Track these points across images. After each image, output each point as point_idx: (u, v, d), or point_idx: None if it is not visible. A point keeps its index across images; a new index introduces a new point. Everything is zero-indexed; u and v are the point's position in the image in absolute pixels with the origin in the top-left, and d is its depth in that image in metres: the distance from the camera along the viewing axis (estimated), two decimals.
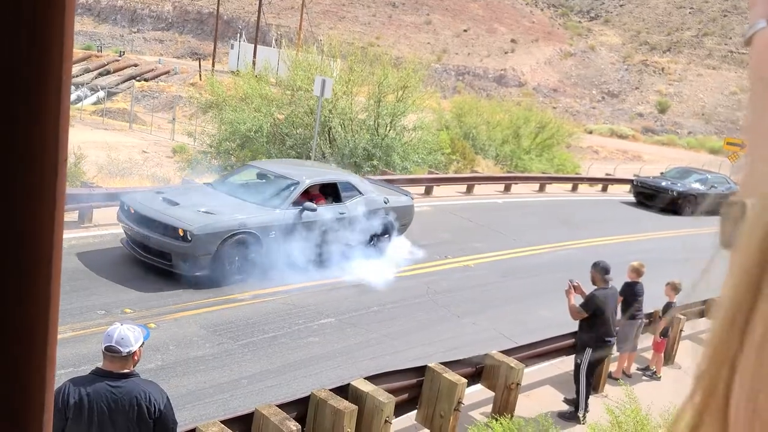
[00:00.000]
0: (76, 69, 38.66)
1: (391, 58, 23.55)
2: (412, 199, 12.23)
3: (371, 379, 5.86)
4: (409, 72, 21.41)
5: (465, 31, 67.42)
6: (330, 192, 10.76)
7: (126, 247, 9.34)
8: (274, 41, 44.38)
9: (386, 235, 11.29)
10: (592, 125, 52.84)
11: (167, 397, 3.56)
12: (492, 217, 16.35)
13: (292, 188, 10.09)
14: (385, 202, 11.31)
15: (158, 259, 8.85)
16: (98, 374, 3.42)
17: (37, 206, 1.19)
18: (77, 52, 41.64)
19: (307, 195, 10.25)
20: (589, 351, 7.26)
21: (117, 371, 3.43)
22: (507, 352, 7.09)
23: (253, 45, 39.62)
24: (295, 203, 9.89)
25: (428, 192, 17.66)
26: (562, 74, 65.14)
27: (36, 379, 1.17)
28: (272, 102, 21.22)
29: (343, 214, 10.50)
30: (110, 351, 3.42)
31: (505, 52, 65.02)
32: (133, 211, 9.16)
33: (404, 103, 21.25)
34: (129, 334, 3.43)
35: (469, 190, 19.01)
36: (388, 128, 21.52)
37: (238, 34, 44.77)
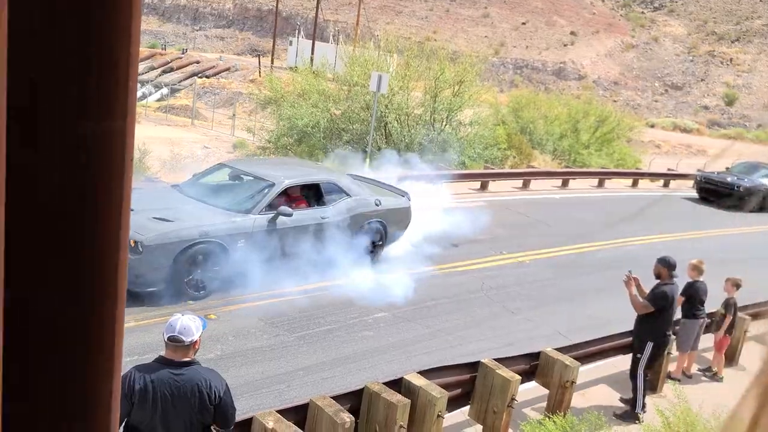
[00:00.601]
0: (141, 67, 39.87)
1: (448, 53, 23.45)
2: (410, 200, 11.01)
3: (424, 373, 5.91)
4: (465, 66, 21.30)
5: (523, 24, 66.49)
6: (313, 194, 9.68)
7: None
8: (331, 37, 44.77)
9: (378, 241, 10.24)
10: (654, 119, 51.40)
11: (226, 384, 3.71)
12: (548, 212, 16.16)
13: (266, 190, 9.00)
14: (377, 205, 10.20)
15: None
16: (161, 362, 3.59)
17: (106, 203, 1.29)
18: (142, 50, 42.92)
19: (287, 198, 9.30)
20: (650, 345, 7.14)
21: (179, 359, 3.59)
22: (562, 350, 7.03)
23: (311, 41, 40.06)
24: (271, 207, 8.86)
25: (484, 187, 17.56)
26: (624, 66, 63.55)
27: (105, 368, 1.28)
28: (329, 98, 21.44)
29: (325, 218, 9.41)
30: (173, 341, 3.58)
31: (565, 45, 63.84)
32: None
33: (460, 97, 21.16)
34: (190, 324, 3.59)
35: (526, 185, 18.81)
36: (444, 123, 21.47)
37: (297, 31, 45.33)
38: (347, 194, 9.88)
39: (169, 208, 8.41)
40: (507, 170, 20.16)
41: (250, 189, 9.22)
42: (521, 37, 64.30)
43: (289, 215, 8.82)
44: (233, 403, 3.73)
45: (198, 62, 42.76)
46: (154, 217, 8.02)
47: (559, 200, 18.13)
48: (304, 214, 9.24)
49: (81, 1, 1.03)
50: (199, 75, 39.84)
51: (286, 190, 9.20)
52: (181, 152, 20.24)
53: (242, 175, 9.65)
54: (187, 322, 3.59)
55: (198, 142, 25.80)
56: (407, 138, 19.98)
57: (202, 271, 8.16)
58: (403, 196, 10.99)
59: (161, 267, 7.73)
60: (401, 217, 10.70)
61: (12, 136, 1.01)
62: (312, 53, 35.40)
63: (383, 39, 23.34)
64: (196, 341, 3.63)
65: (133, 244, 7.57)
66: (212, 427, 3.79)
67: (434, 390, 5.62)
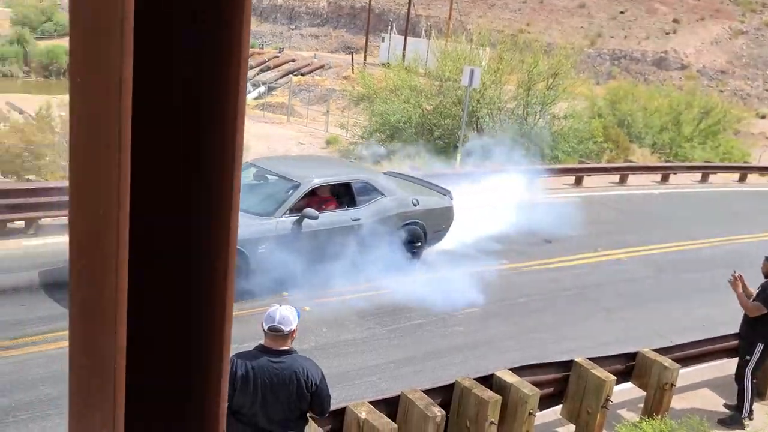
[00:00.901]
0: None
1: (542, 45, 23.01)
2: (452, 199, 10.28)
3: (516, 370, 5.86)
4: (560, 59, 20.83)
5: (622, 12, 64.12)
6: (344, 195, 9.05)
7: None
8: (423, 32, 44.79)
9: (416, 243, 9.58)
10: (765, 109, 48.37)
11: (322, 373, 3.85)
12: (647, 208, 15.58)
13: (291, 191, 8.43)
14: (414, 205, 9.56)
15: None
16: (261, 350, 3.77)
17: (216, 200, 1.39)
18: None
19: (317, 199, 8.73)
20: (760, 347, 6.78)
21: (278, 348, 3.76)
22: (661, 351, 6.79)
23: (403, 37, 40.23)
24: (296, 209, 8.30)
25: (578, 182, 17.13)
26: (731, 55, 60.12)
27: (216, 355, 1.38)
28: (421, 93, 21.50)
29: (357, 220, 8.83)
30: (273, 330, 3.74)
31: (666, 33, 61.06)
32: None
33: (555, 90, 20.72)
34: (288, 315, 3.76)
35: (623, 180, 18.19)
36: (537, 117, 21.08)
37: (389, 27, 45.62)
38: (382, 194, 9.27)
39: None
40: (603, 165, 19.56)
41: (275, 190, 8.66)
42: (619, 27, 62.04)
43: (315, 218, 8.22)
44: (329, 391, 3.87)
45: (293, 60, 43.82)
46: None
47: (658, 196, 17.42)
48: (334, 216, 8.67)
49: (202, 14, 1.13)
50: (295, 73, 40.82)
51: (314, 190, 8.63)
52: (278, 148, 20.84)
53: (268, 175, 9.07)
54: (285, 313, 3.75)
55: (293, 138, 26.48)
56: (499, 132, 19.77)
57: None
58: (445, 195, 10.28)
59: None
60: (442, 218, 9.99)
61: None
62: (404, 49, 35.55)
63: (475, 33, 23.16)
64: (293, 330, 3.79)
65: None
66: (308, 414, 3.94)
67: (526, 387, 5.57)
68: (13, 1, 58.16)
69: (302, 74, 40.93)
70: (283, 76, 40.74)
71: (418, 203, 9.64)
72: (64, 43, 42.50)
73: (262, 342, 3.82)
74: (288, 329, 3.75)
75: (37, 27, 44.85)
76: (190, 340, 1.40)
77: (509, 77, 21.22)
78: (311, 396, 3.77)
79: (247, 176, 9.11)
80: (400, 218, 9.35)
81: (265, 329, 3.75)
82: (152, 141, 1.17)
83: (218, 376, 1.46)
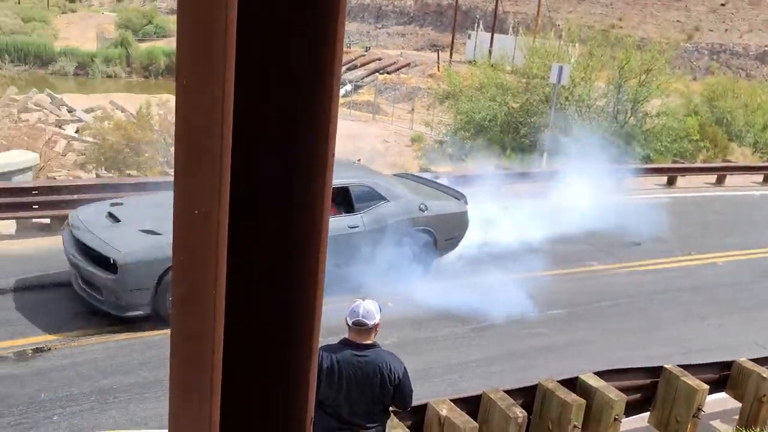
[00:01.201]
0: None
1: (635, 40, 22.23)
2: (466, 204, 9.43)
3: (601, 374, 5.73)
4: (654, 54, 20.10)
5: (722, 5, 61.04)
6: (341, 200, 8.43)
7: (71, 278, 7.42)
8: (510, 29, 44.17)
9: (425, 252, 8.86)
10: None
11: (405, 368, 3.90)
12: (746, 210, 14.81)
13: None
14: (422, 210, 8.86)
15: (93, 294, 6.98)
16: (345, 344, 3.85)
17: (309, 197, 1.46)
18: None
19: None
20: None
21: (361, 342, 3.84)
22: (759, 361, 6.47)
23: (490, 34, 39.83)
24: None
25: (671, 182, 16.48)
26: None
27: (307, 347, 1.45)
28: (507, 91, 21.25)
29: (355, 227, 8.22)
30: (357, 325, 3.82)
31: None
32: (71, 229, 7.42)
33: (647, 87, 20.00)
34: (372, 309, 3.83)
35: (720, 180, 17.36)
36: (628, 115, 20.43)
37: (476, 24, 45.25)
38: (385, 199, 8.61)
39: (163, 219, 6.88)
40: (698, 164, 18.72)
41: None
42: (719, 20, 59.08)
43: None
44: (411, 386, 3.91)
45: (380, 59, 44.18)
46: (142, 230, 7.04)
47: (759, 197, 16.52)
48: (330, 222, 7.69)
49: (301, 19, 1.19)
50: (381, 71, 41.17)
51: None
52: (363, 146, 21.10)
53: None
54: (369, 307, 3.82)
55: (378, 136, 26.72)
56: (588, 130, 19.29)
57: None
58: (459, 200, 9.44)
59: (142, 288, 6.74)
60: (454, 225, 9.19)
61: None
62: (491, 46, 35.19)
63: (565, 29, 22.66)
64: (377, 324, 3.86)
65: (113, 262, 6.72)
66: (390, 408, 4.00)
67: (611, 392, 5.44)
68: (118, 6, 61.46)
69: (388, 72, 41.22)
70: (370, 74, 41.15)
71: (427, 208, 8.94)
72: (163, 44, 44.50)
73: (345, 335, 3.90)
74: (372, 323, 3.82)
75: (138, 30, 47.19)
76: (281, 329, 1.48)
77: (599, 74, 20.66)
78: (394, 390, 3.82)
79: None
80: (404, 225, 8.65)
81: (350, 323, 3.83)
82: (251, 141, 1.24)
83: (307, 364, 1.53)
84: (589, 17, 51.50)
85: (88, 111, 24.33)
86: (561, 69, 16.31)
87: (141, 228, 7.05)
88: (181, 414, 1.48)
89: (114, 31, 45.37)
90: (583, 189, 12.11)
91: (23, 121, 20.90)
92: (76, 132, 21.20)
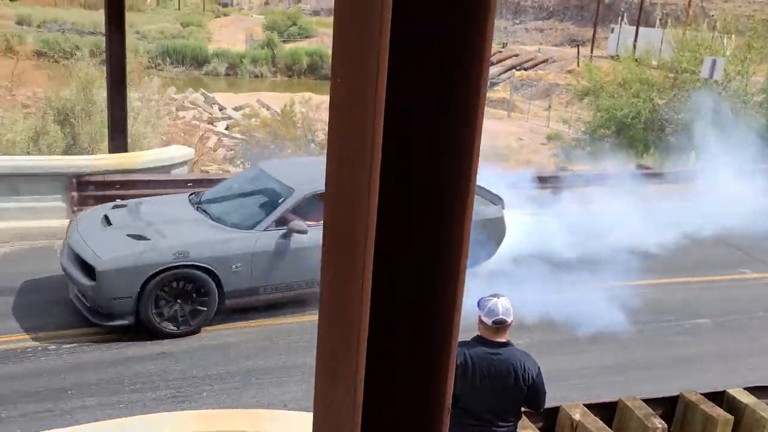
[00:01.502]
0: None
1: None
2: (503, 209, 8.39)
3: (753, 390, 5.37)
4: None
5: None
6: None
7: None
8: (657, 21, 41.89)
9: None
10: None
11: (539, 367, 3.84)
12: None
13: (280, 201, 7.16)
14: None
15: (83, 301, 6.61)
16: (479, 341, 3.85)
17: (457, 190, 1.51)
18: None
19: (317, 209, 7.00)
20: None
21: (496, 340, 3.82)
22: None
23: (634, 27, 38.00)
24: (283, 222, 7.00)
25: None
26: None
27: (448, 337, 1.50)
28: (652, 86, 20.23)
29: None
30: (498, 323, 3.76)
31: None
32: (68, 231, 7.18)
33: None
34: (509, 306, 3.79)
35: None
36: None
37: (619, 17, 43.33)
38: None
39: (158, 223, 6.86)
40: None
41: (265, 198, 7.44)
42: None
43: (304, 232, 6.83)
44: (544, 388, 3.85)
45: (517, 55, 43.44)
46: (129, 235, 6.68)
47: None
48: None
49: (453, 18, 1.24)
50: (517, 68, 40.49)
51: (313, 199, 7.11)
52: (498, 144, 20.87)
53: (266, 180, 7.69)
54: (507, 304, 3.78)
55: (513, 134, 26.33)
56: (743, 128, 17.95)
57: (183, 302, 6.58)
58: (496, 204, 8.41)
59: (123, 297, 6.34)
60: (487, 231, 7.94)
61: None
62: (635, 40, 33.58)
63: (719, 19, 21.21)
64: (511, 321, 3.84)
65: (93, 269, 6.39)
66: (522, 409, 3.97)
67: (764, 410, 5.08)
68: (265, 8, 64.77)
69: (525, 69, 40.48)
70: (506, 71, 40.61)
71: None
72: (306, 45, 46.38)
73: (477, 333, 3.90)
74: (510, 320, 3.80)
75: (284, 31, 49.47)
76: (424, 325, 1.54)
77: (759, 67, 19.15)
78: (527, 389, 3.78)
79: (246, 181, 8.07)
80: None
81: (488, 322, 3.78)
82: (401, 137, 1.31)
83: (448, 353, 1.59)
84: (748, 6, 47.72)
85: (237, 109, 25.93)
86: (714, 62, 15.29)
87: (130, 233, 6.71)
88: (329, 396, 1.59)
89: (261, 33, 47.84)
90: (736, 191, 11.30)
91: (180, 118, 22.62)
92: (226, 129, 22.67)
